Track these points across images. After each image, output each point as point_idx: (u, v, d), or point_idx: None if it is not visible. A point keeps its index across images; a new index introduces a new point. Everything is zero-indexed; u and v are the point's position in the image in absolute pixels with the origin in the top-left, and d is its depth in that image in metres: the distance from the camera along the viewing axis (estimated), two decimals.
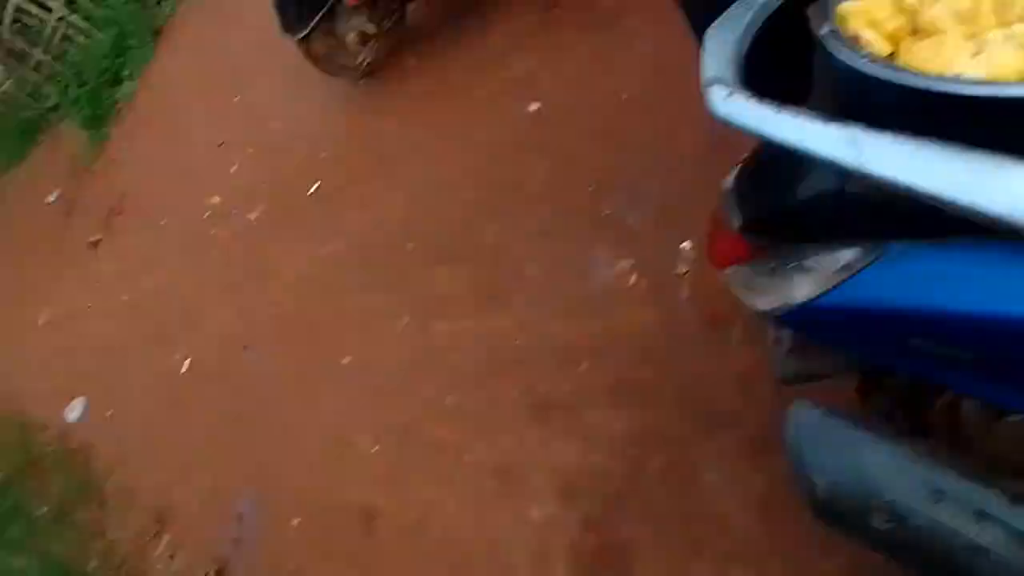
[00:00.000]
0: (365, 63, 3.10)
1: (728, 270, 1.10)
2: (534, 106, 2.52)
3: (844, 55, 0.73)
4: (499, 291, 2.18)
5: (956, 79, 0.65)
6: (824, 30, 0.76)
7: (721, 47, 0.89)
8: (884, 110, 0.71)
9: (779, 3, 0.92)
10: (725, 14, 0.94)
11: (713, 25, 0.92)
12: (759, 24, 0.91)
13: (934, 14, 0.73)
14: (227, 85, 4.02)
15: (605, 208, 2.13)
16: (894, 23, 0.76)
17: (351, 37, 3.01)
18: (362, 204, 2.81)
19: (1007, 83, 0.64)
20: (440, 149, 2.71)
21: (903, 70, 0.68)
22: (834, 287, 0.91)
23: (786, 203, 0.98)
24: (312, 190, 3.06)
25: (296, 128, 3.42)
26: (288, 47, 2.99)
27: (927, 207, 0.67)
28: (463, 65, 2.89)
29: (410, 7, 3.06)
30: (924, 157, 0.68)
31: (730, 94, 0.81)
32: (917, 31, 0.75)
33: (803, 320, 0.95)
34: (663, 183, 2.03)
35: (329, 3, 2.87)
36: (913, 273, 0.82)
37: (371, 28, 3.00)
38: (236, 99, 3.93)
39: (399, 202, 2.69)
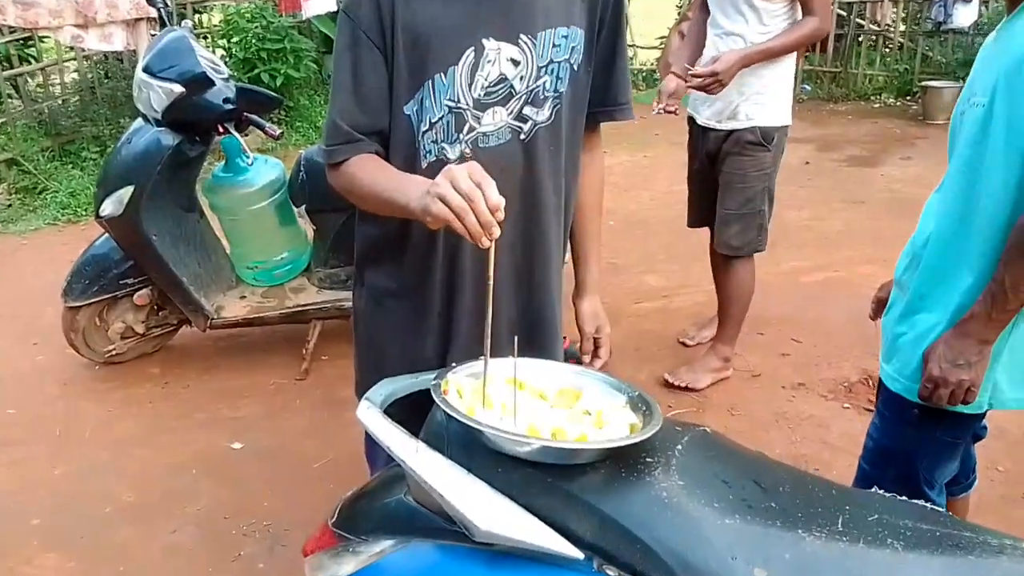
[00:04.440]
0: (113, 353, 3.30)
1: (309, 557, 1.35)
2: (238, 444, 2.78)
3: (437, 398, 1.14)
4: None
5: (481, 422, 1.06)
6: (433, 383, 1.19)
7: (385, 388, 1.30)
8: (449, 436, 1.12)
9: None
10: (399, 378, 1.37)
11: (386, 380, 1.34)
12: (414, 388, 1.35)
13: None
14: None
15: (245, 549, 2.29)
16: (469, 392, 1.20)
17: (116, 327, 3.25)
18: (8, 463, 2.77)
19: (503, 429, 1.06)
20: (132, 452, 2.79)
21: (459, 412, 1.09)
22: (366, 566, 1.20)
23: (367, 505, 1.32)
24: None
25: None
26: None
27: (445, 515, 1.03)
28: (197, 391, 3.16)
29: (184, 327, 3.40)
30: (448, 476, 1.07)
31: (369, 407, 1.21)
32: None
33: None
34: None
35: (119, 293, 3.20)
36: (417, 559, 1.15)
37: (139, 327, 3.29)
38: None
39: (52, 478, 2.66)
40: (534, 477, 1.04)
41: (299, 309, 3.28)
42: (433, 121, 1.31)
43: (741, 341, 3.40)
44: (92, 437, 2.89)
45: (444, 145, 1.32)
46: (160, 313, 3.34)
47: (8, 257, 4.78)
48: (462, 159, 1.32)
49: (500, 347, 1.48)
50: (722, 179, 2.87)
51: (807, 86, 8.44)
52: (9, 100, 6.21)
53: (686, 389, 3.00)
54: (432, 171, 1.31)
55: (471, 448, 1.08)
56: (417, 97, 1.30)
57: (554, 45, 1.32)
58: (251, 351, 3.44)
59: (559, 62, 1.33)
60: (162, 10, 3.23)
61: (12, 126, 5.97)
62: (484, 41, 1.28)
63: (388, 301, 1.47)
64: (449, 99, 1.29)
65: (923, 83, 7.62)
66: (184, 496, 2.54)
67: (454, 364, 1.24)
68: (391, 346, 1.49)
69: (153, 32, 3.53)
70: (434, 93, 1.29)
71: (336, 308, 3.27)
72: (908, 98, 8.02)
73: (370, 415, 1.17)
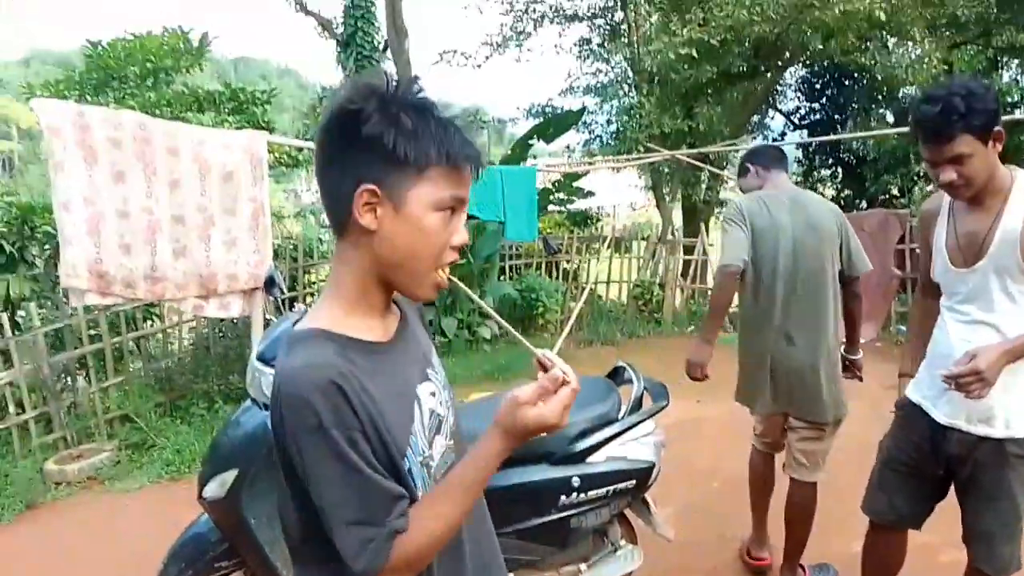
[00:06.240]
0: None
1: None
2: None
3: None
4: None
5: None
6: None
7: None
8: None
9: None
10: None
11: None
12: None
13: None
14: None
15: None
16: None
17: None
18: None
19: None
20: None
21: None
22: None
23: None
24: None
25: None
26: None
27: None
28: None
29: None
30: None
31: None
32: None
33: None
34: None
35: None
36: None
37: None
38: None
39: None
40: None
41: None
42: (416, 486, 1.28)
43: None
44: None
45: None
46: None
47: (112, 517, 4.87)
48: None
49: None
50: (977, 488, 2.47)
51: (902, 327, 8.25)
52: (131, 358, 6.67)
53: None
54: None
55: None
56: (404, 483, 1.24)
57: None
58: None
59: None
60: (278, 298, 3.50)
61: (130, 384, 6.35)
62: (417, 389, 1.33)
63: None
64: (421, 459, 1.30)
65: None
66: None
67: None
68: None
69: (270, 319, 3.77)
70: (414, 463, 1.28)
71: None
72: None
73: None
